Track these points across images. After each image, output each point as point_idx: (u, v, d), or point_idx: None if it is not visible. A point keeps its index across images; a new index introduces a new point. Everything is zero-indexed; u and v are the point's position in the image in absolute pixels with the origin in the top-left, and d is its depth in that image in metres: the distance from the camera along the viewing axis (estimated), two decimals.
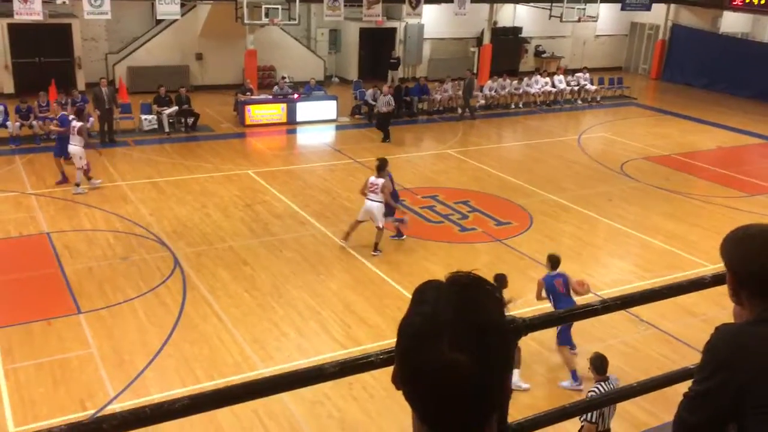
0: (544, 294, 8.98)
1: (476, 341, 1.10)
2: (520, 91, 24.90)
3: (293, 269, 11.60)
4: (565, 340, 8.72)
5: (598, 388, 6.76)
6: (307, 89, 22.32)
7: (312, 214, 13.94)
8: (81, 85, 22.29)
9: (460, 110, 23.12)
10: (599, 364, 6.93)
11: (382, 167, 12.31)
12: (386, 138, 19.82)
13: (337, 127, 21.64)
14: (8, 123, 17.65)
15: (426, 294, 1.19)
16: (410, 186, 16.02)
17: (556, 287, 8.84)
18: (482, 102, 24.24)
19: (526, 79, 25.49)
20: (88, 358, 8.74)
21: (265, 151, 18.82)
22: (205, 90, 24.14)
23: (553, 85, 25.53)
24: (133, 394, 8.07)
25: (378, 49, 27.72)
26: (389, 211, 12.30)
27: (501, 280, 8.66)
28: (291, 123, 21.22)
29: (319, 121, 21.59)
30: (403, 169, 17.48)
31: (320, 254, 12.22)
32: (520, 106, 24.91)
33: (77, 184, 14.47)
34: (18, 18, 19.73)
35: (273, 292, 10.75)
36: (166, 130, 19.37)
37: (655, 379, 2.27)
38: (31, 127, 17.84)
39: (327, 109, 21.91)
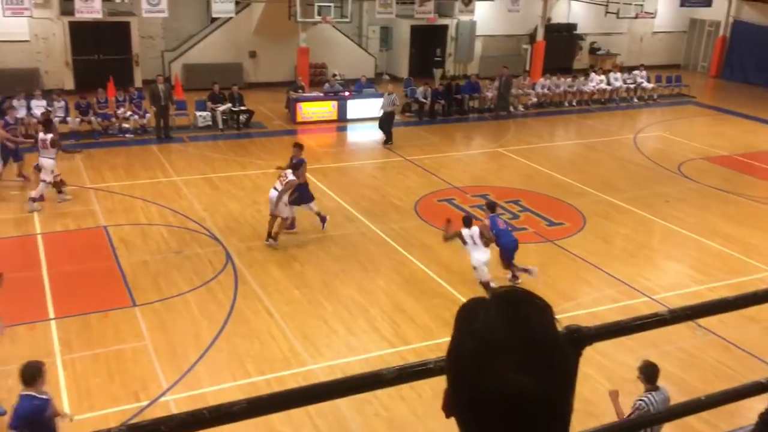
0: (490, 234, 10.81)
1: (539, 361, 1.04)
2: (574, 89, 24.46)
3: (342, 266, 11.63)
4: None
5: (648, 398, 6.55)
6: (357, 87, 22.37)
7: (361, 212, 13.97)
8: (138, 82, 22.83)
9: (496, 109, 22.67)
10: (650, 372, 6.71)
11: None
12: (388, 140, 19.05)
13: None
14: (68, 118, 18.20)
15: (476, 313, 1.12)
16: (460, 185, 15.91)
17: (498, 225, 11.08)
18: (534, 100, 23.92)
19: (581, 77, 25.03)
20: (142, 350, 8.93)
21: (315, 148, 18.92)
22: (257, 87, 24.43)
23: (609, 83, 25.00)
24: (185, 386, 8.21)
25: (429, 47, 27.61)
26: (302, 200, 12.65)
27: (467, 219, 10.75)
28: (341, 120, 21.31)
29: (369, 118, 21.60)
30: (453, 167, 17.39)
31: (369, 252, 12.23)
32: (574, 104, 24.48)
33: (33, 199, 13.20)
34: (79, 16, 20.35)
35: (322, 289, 10.80)
36: (220, 126, 19.68)
37: (725, 393, 2.16)
38: (89, 122, 18.36)
39: (378, 106, 21.89)
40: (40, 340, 9.05)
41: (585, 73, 25.74)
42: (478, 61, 28.88)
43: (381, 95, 22.15)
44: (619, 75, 25.34)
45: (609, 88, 24.96)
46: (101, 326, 9.44)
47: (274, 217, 12.18)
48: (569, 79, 24.65)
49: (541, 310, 1.11)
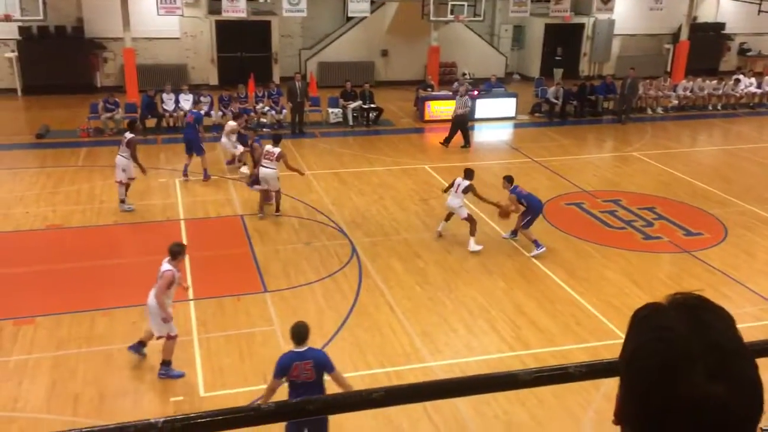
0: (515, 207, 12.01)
1: (730, 370, 1.01)
2: (720, 92, 22.99)
3: (464, 266, 11.61)
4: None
5: None
6: (487, 86, 22.18)
7: (486, 212, 13.84)
8: (276, 79, 23.86)
9: (618, 112, 21.64)
10: None
11: (276, 139, 13.73)
12: (466, 143, 18.50)
13: (516, 125, 21.32)
14: (212, 112, 19.33)
15: (660, 319, 1.10)
16: (590, 188, 15.41)
17: (521, 192, 12.04)
18: (675, 102, 22.72)
19: (730, 81, 23.48)
20: (270, 334, 9.36)
21: (442, 147, 18.98)
22: (387, 85, 24.82)
23: (759, 86, 23.28)
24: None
25: (564, 46, 26.89)
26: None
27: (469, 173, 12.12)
28: (469, 120, 21.17)
29: (497, 118, 21.39)
30: (583, 170, 16.87)
31: (492, 252, 12.12)
32: (719, 108, 23.01)
33: (122, 201, 13.46)
34: (225, 15, 21.58)
35: (444, 287, 10.84)
36: (350, 123, 20.19)
37: None
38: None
39: (506, 106, 21.65)
40: (180, 318, 9.68)
41: (733, 75, 24.12)
42: (615, 60, 27.81)
43: (512, 95, 21.89)
44: None
45: (759, 92, 23.24)
46: (234, 309, 9.98)
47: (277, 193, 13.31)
48: (714, 82, 23.19)
49: (725, 317, 1.09)
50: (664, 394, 1.03)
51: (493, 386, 1.65)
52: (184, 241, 12.15)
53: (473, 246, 12.04)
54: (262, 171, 13.06)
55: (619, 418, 1.14)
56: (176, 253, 8.38)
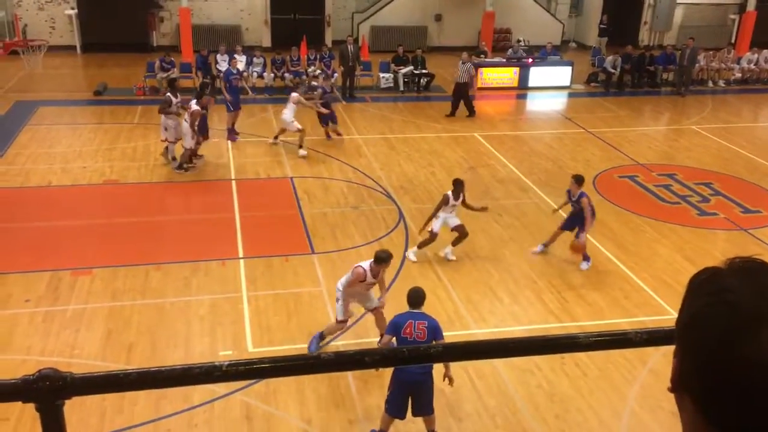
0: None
1: None
2: None
3: (512, 235, 11.52)
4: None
5: None
6: (542, 53, 21.73)
7: (535, 182, 13.68)
8: (329, 42, 23.79)
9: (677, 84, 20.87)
10: None
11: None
12: (471, 112, 17.76)
13: (570, 95, 20.89)
14: (265, 74, 19.43)
15: (719, 282, 1.06)
16: (644, 161, 15.04)
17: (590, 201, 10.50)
18: (738, 75, 21.90)
19: None
20: (317, 295, 9.49)
21: (493, 115, 18.73)
22: (440, 51, 24.51)
23: None
24: (354, 334, 8.63)
25: (623, 14, 26.06)
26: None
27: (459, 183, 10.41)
28: (522, 88, 20.86)
29: (552, 87, 20.97)
30: (639, 142, 16.46)
31: (540, 223, 11.97)
32: None
33: (174, 158, 13.67)
34: None
35: (490, 257, 10.79)
36: (401, 88, 20.06)
37: None
38: (282, 78, 19.48)
39: (561, 75, 21.20)
40: (229, 276, 9.91)
41: None
42: (677, 30, 26.86)
43: (568, 63, 21.40)
44: None
45: None
46: (282, 269, 10.13)
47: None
48: None
49: None
50: (728, 358, 0.99)
51: (552, 348, 1.64)
52: (235, 201, 12.36)
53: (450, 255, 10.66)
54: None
55: (677, 385, 1.10)
56: (380, 259, 7.86)
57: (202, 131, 13.87)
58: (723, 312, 1.02)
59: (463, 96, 17.76)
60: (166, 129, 13.62)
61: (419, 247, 10.61)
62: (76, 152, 14.54)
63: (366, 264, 7.88)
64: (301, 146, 14.62)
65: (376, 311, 8.22)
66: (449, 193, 10.48)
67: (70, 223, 11.39)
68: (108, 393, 1.50)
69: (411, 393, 6.71)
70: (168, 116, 13.55)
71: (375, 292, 8.27)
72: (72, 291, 9.37)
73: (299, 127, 14.50)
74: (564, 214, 10.93)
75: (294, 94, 14.79)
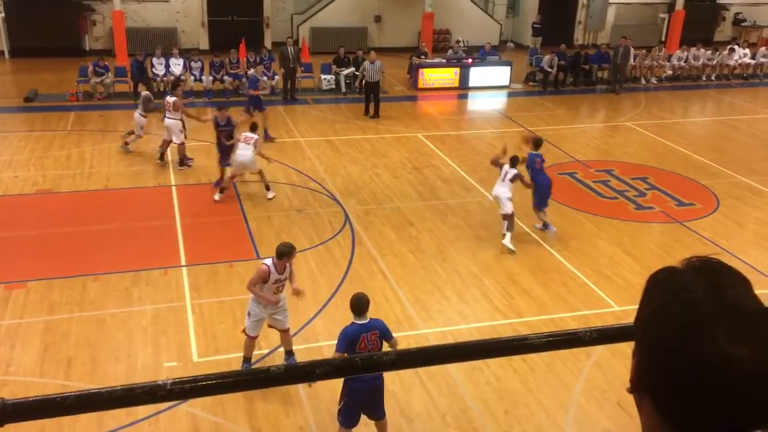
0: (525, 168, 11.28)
1: (752, 333, 0.99)
2: (714, 62, 22.92)
3: (457, 234, 11.62)
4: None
5: None
6: (481, 54, 22.01)
7: (479, 181, 13.84)
8: (268, 44, 23.54)
9: (611, 82, 21.49)
10: None
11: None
12: (375, 113, 17.79)
13: (510, 94, 21.23)
14: (203, 78, 19.08)
15: (679, 281, 1.08)
16: (583, 158, 15.40)
17: (536, 164, 11.33)
18: (669, 72, 22.66)
19: (725, 50, 23.39)
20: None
21: (435, 115, 18.88)
22: (381, 52, 24.43)
23: (753, 57, 23.22)
24: (303, 339, 8.54)
25: (558, 14, 26.64)
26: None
27: None
28: (463, 88, 21.09)
29: (491, 87, 21.27)
30: (577, 140, 16.84)
31: (485, 221, 12.12)
32: (713, 78, 22.96)
33: (182, 161, 13.96)
34: None
35: (437, 255, 10.85)
36: (343, 90, 20.00)
37: None
38: (222, 81, 19.17)
39: (500, 74, 21.52)
40: (172, 284, 9.68)
41: (728, 45, 24.03)
42: (610, 29, 27.62)
43: (506, 63, 21.71)
44: (766, 50, 23.47)
45: (753, 62, 23.18)
46: (227, 276, 9.96)
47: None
48: (709, 52, 23.10)
49: (743, 280, 1.06)
50: (686, 357, 1.00)
51: (504, 350, 1.64)
52: (176, 208, 12.09)
53: (509, 243, 11.00)
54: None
55: (636, 385, 1.11)
56: (282, 254, 7.59)
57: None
58: (681, 310, 1.02)
59: (374, 95, 17.81)
60: (181, 131, 13.92)
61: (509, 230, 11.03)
62: (6, 161, 13.97)
63: (269, 260, 7.60)
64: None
65: (284, 333, 7.88)
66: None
67: (2, 234, 10.93)
68: (45, 418, 1.42)
69: (368, 400, 6.65)
70: (175, 118, 13.81)
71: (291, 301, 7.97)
72: (6, 305, 8.98)
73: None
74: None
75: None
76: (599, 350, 8.21)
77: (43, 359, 7.96)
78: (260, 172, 12.56)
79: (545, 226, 11.56)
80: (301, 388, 7.59)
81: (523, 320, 9.15)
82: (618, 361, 7.97)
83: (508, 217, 11.01)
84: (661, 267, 1.14)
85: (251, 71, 17.42)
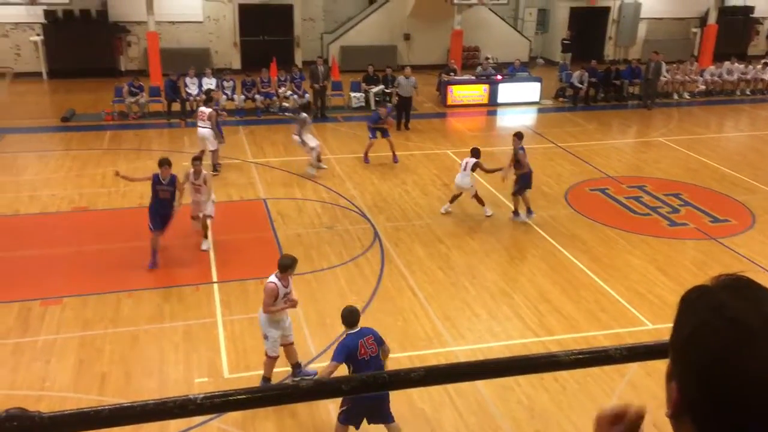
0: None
1: None
2: (749, 76, 22.58)
3: (487, 251, 11.56)
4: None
5: None
6: (510, 70, 21.99)
7: (509, 197, 13.74)
8: (299, 63, 23.82)
9: (643, 97, 21.30)
10: None
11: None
12: (406, 126, 18.51)
13: (540, 110, 21.14)
14: (235, 96, 19.37)
15: (713, 299, 1.06)
16: (614, 174, 15.24)
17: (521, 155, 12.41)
18: (702, 87, 22.38)
19: (759, 65, 23.02)
20: (293, 316, 9.36)
21: (464, 132, 18.88)
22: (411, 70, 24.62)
23: None
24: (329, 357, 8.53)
25: (588, 30, 26.53)
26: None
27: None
28: (492, 104, 21.07)
29: (521, 103, 21.21)
30: (608, 156, 16.69)
31: (515, 238, 12.06)
32: (747, 93, 22.61)
33: (214, 167, 14.41)
34: None
35: (466, 272, 10.80)
36: (372, 107, 20.09)
37: None
38: (253, 100, 19.43)
39: (530, 91, 21.46)
40: (203, 300, 9.78)
41: (762, 60, 23.66)
42: (641, 45, 27.41)
43: (536, 79, 21.65)
44: None
45: None
46: (257, 292, 9.97)
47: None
48: (743, 66, 22.77)
49: None
50: (732, 374, 0.99)
51: (532, 367, 1.63)
52: (209, 226, 12.22)
53: (488, 210, 12.87)
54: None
55: (677, 408, 1.08)
56: (285, 266, 7.75)
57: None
58: (723, 327, 1.01)
59: (406, 110, 18.45)
60: (203, 139, 14.56)
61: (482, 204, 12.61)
62: (43, 180, 14.31)
63: (272, 277, 7.71)
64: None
65: (289, 346, 7.98)
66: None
67: (39, 251, 11.17)
68: (79, 431, 1.45)
69: (370, 408, 6.72)
70: (208, 127, 14.51)
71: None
72: (42, 321, 9.16)
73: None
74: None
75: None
76: (633, 369, 8.08)
77: (78, 374, 8.08)
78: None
79: (516, 213, 12.69)
80: (330, 403, 7.58)
81: (554, 338, 9.04)
82: (653, 380, 7.81)
83: (476, 196, 12.71)
84: (692, 286, 1.14)
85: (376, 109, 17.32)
